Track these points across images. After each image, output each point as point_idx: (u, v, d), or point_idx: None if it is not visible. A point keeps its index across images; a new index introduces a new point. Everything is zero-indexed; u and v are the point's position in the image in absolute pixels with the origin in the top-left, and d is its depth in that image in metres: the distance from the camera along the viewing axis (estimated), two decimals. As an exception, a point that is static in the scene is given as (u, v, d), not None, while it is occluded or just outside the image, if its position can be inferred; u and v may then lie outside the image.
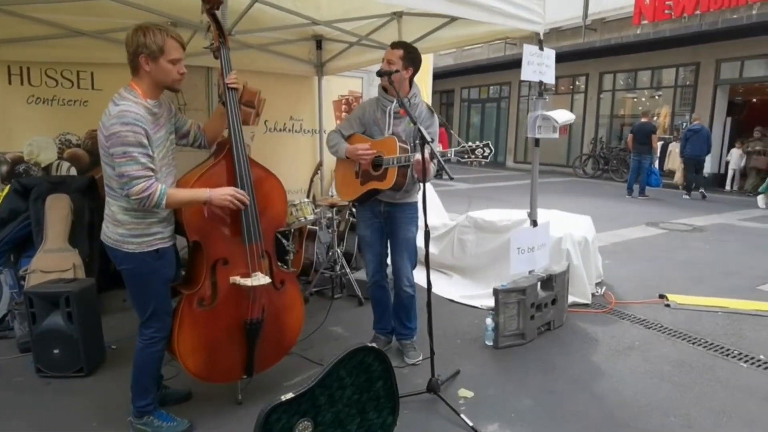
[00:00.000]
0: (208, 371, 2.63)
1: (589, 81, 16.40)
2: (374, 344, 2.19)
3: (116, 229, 2.35)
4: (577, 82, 16.93)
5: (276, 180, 2.80)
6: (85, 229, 4.34)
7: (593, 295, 4.42)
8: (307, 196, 4.88)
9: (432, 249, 5.05)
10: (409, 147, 2.97)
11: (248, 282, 2.53)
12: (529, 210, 3.69)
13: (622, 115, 16.05)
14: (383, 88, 3.11)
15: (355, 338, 3.63)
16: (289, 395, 1.94)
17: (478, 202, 10.01)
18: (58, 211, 4.18)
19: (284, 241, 4.34)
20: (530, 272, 3.67)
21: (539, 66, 3.38)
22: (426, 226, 2.77)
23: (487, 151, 2.78)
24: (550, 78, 3.44)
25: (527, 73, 3.33)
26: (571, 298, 4.12)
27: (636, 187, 11.13)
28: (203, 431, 2.61)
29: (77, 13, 3.99)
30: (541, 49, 3.39)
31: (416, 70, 3.12)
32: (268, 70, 5.45)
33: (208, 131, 2.75)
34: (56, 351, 3.08)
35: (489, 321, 3.50)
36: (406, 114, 2.82)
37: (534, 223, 3.63)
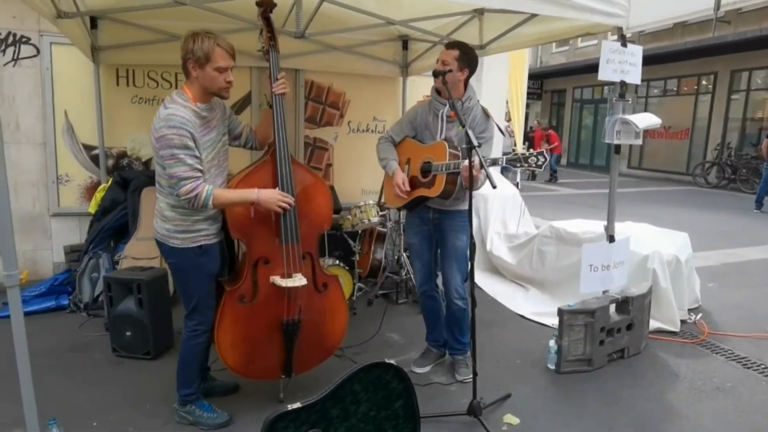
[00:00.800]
0: (247, 367, 2.68)
1: (718, 80, 14.66)
2: (392, 361, 2.07)
3: (164, 224, 2.48)
4: (703, 82, 15.23)
5: (320, 183, 2.79)
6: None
7: (683, 322, 3.91)
8: (380, 198, 4.84)
9: (510, 259, 4.85)
10: (460, 153, 2.81)
11: (284, 282, 2.55)
12: (606, 223, 3.34)
13: (759, 119, 14.15)
14: (437, 91, 2.99)
15: (411, 347, 3.54)
16: (297, 405, 1.90)
17: (582, 209, 9.41)
18: (152, 203, 4.54)
19: (351, 242, 4.35)
20: (604, 292, 3.32)
21: (621, 64, 3.03)
22: (471, 237, 2.60)
23: (542, 159, 2.58)
24: (634, 77, 3.07)
25: (606, 72, 3.00)
26: (654, 324, 3.68)
27: (767, 200, 9.78)
28: (242, 425, 2.66)
29: (173, 18, 4.28)
30: (624, 45, 3.04)
31: (472, 71, 2.98)
32: (353, 72, 5.50)
33: (258, 133, 2.81)
34: (128, 333, 3.35)
35: (552, 343, 3.22)
36: (456, 117, 2.67)
37: (611, 239, 3.27)
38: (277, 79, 2.65)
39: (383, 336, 3.74)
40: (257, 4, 2.68)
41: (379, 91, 5.77)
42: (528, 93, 8.46)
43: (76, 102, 4.68)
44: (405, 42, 5.33)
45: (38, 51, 4.51)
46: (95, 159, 4.77)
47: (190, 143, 2.31)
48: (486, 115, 3.00)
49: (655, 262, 3.76)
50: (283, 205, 2.48)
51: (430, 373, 3.22)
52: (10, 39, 4.42)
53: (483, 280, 4.89)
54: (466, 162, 2.57)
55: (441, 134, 2.93)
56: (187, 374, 2.64)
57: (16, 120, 4.53)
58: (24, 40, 4.45)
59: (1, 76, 4.44)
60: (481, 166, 2.50)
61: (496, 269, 5.14)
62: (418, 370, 3.20)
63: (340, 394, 1.97)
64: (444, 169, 2.78)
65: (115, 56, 4.63)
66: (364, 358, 3.42)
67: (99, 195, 4.65)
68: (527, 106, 21.32)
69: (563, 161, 18.28)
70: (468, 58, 2.91)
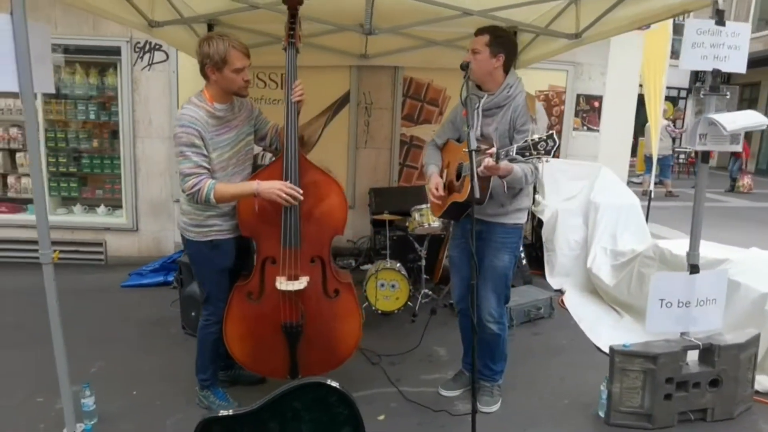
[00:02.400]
0: (253, 362, 2.74)
1: None
2: (335, 384, 1.91)
3: (182, 217, 2.63)
4: None
5: (334, 185, 2.67)
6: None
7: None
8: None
9: (608, 279, 4.25)
10: (494, 150, 2.45)
11: (279, 285, 2.53)
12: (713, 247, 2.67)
13: None
14: (477, 85, 2.68)
15: (452, 366, 3.27)
16: (229, 411, 1.87)
17: (749, 226, 7.81)
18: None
19: (417, 245, 4.17)
20: (682, 334, 2.67)
21: (714, 48, 2.37)
22: (472, 244, 2.22)
23: (551, 143, 2.14)
24: (736, 65, 2.39)
25: (690, 59, 2.38)
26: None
27: None
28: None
29: (278, 21, 4.51)
30: (721, 23, 2.37)
31: (510, 55, 2.65)
32: (453, 66, 5.24)
33: (281, 135, 2.80)
34: (193, 313, 3.65)
35: (603, 387, 2.69)
36: (466, 116, 2.37)
37: (694, 269, 2.61)
38: (293, 85, 2.60)
39: (429, 349, 3.51)
40: (284, 1, 2.70)
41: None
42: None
43: (196, 102, 5.25)
44: (514, 32, 4.91)
45: (167, 56, 5.14)
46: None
47: (197, 141, 2.40)
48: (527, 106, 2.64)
49: (777, 303, 2.91)
50: (284, 195, 2.43)
51: (459, 398, 2.94)
52: (147, 46, 5.11)
53: (575, 300, 4.32)
54: (486, 159, 2.30)
55: (477, 130, 2.63)
56: (202, 360, 2.78)
57: (149, 117, 5.24)
58: (157, 47, 5.11)
59: (139, 79, 5.17)
60: (497, 159, 2.26)
61: (595, 289, 4.50)
62: (446, 393, 2.95)
63: (279, 408, 1.89)
64: (469, 169, 2.48)
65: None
66: (398, 369, 3.26)
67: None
68: (681, 100, 18.14)
69: (751, 167, 15.10)
70: (502, 41, 2.60)
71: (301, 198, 2.49)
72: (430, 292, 4.20)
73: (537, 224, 5.22)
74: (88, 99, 5.24)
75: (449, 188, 2.76)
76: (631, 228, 4.70)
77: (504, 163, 2.36)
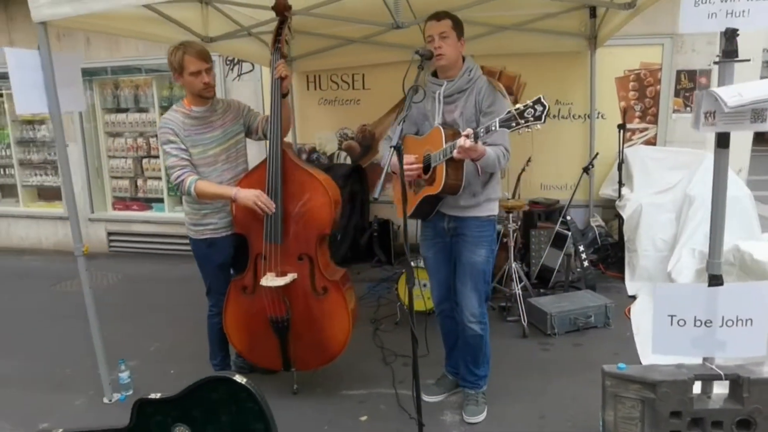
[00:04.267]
0: (249, 352, 2.92)
1: None
2: (242, 380, 1.95)
3: (185, 216, 2.90)
4: None
5: (319, 185, 2.69)
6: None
7: None
8: (512, 197, 4.21)
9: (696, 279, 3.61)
10: (470, 130, 2.26)
11: (262, 281, 2.64)
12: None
13: None
14: (433, 73, 2.51)
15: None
16: (158, 395, 2.04)
17: None
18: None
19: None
20: (705, 361, 2.18)
21: (726, 3, 1.90)
22: (406, 243, 2.10)
23: (539, 108, 1.95)
24: (755, 20, 1.89)
25: (692, 20, 1.94)
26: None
27: None
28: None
29: (339, 24, 4.63)
30: (732, -29, 1.88)
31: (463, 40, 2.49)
32: (528, 51, 4.88)
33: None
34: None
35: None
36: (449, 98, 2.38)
37: (714, 280, 2.11)
38: (275, 64, 2.70)
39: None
40: (273, 8, 2.81)
41: (562, 70, 4.94)
42: None
43: (277, 107, 5.66)
44: (593, 9, 4.40)
45: (253, 67, 5.61)
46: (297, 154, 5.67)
47: (173, 138, 2.64)
48: (492, 87, 2.43)
49: None
50: (260, 204, 2.57)
51: (441, 404, 2.79)
52: (235, 59, 5.64)
53: (643, 308, 3.73)
54: (461, 139, 2.17)
55: (439, 118, 2.47)
56: (212, 347, 3.04)
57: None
58: (243, 59, 5.61)
59: (230, 90, 5.73)
60: (475, 139, 2.14)
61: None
62: (428, 399, 2.80)
63: (198, 397, 2.01)
64: (442, 156, 2.33)
65: (305, 64, 5.37)
66: (409, 371, 3.16)
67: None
68: None
69: None
70: (460, 26, 2.47)
71: (272, 211, 2.61)
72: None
73: (622, 222, 4.60)
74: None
75: (417, 184, 2.60)
76: (734, 226, 3.88)
77: (479, 145, 2.19)
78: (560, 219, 4.09)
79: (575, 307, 3.50)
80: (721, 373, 2.11)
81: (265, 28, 4.31)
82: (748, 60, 1.93)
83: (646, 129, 4.83)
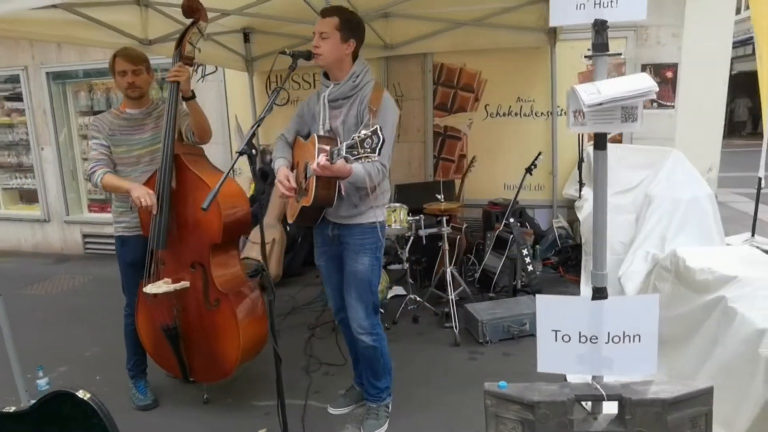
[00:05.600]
0: (154, 355, 2.87)
1: None
2: (84, 395, 1.87)
3: None
4: None
5: (208, 189, 2.59)
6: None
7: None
8: (457, 198, 4.06)
9: (631, 293, 3.45)
10: (328, 148, 2.14)
11: (146, 287, 2.58)
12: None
13: None
14: (324, 73, 2.38)
15: (401, 381, 2.98)
16: (12, 408, 1.98)
17: None
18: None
19: (397, 248, 3.85)
20: (594, 379, 2.03)
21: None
22: (262, 249, 2.01)
23: (375, 140, 1.85)
24: (632, 11, 1.73)
25: (560, 12, 1.80)
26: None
27: None
28: (163, 411, 2.90)
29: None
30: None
31: (360, 41, 2.33)
32: (488, 47, 4.72)
33: (192, 127, 2.79)
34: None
35: (492, 430, 2.18)
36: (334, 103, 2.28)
37: (598, 293, 1.95)
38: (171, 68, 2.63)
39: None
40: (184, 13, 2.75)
41: (522, 66, 4.77)
42: None
43: (241, 108, 5.61)
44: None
45: (216, 68, 5.56)
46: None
47: (96, 134, 2.73)
48: (380, 98, 2.27)
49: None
50: (141, 201, 2.52)
51: (345, 417, 2.68)
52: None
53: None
54: (316, 161, 2.08)
55: (323, 124, 2.35)
56: (126, 350, 2.98)
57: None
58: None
59: (196, 91, 5.68)
60: (331, 158, 2.01)
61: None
62: (333, 411, 2.71)
63: (49, 411, 1.95)
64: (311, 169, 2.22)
65: (265, 64, 5.30)
66: (327, 380, 3.10)
67: (252, 186, 5.49)
68: None
69: None
70: (352, 26, 2.29)
71: (154, 211, 2.55)
72: (418, 299, 3.84)
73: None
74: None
75: (299, 192, 2.48)
76: (692, 228, 3.68)
77: (340, 163, 2.06)
78: (503, 221, 3.92)
79: (509, 314, 3.34)
80: (604, 393, 1.95)
81: (213, 28, 4.26)
82: (619, 54, 1.77)
83: (610, 126, 4.61)
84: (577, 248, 4.39)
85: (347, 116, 2.29)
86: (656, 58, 4.38)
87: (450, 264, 3.72)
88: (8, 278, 5.67)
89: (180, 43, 2.72)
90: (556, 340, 2.04)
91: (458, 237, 3.85)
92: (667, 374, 2.68)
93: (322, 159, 2.05)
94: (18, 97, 6.32)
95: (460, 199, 4.12)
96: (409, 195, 4.60)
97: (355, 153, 1.91)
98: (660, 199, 3.86)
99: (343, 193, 2.28)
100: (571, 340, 2.01)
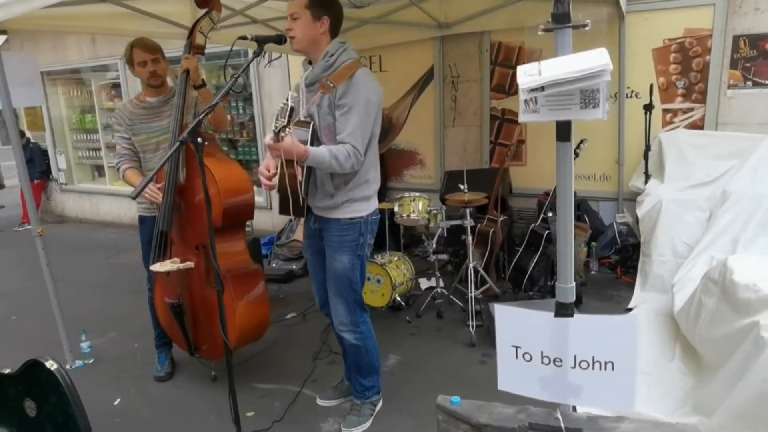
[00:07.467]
0: (168, 329, 3.01)
1: None
2: (54, 365, 2.00)
3: None
4: None
5: (211, 176, 2.64)
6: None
7: None
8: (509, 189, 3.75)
9: (680, 302, 3.03)
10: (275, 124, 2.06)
11: (153, 265, 2.70)
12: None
13: None
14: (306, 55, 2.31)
15: (389, 376, 2.89)
16: (7, 370, 2.20)
17: None
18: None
19: (425, 239, 3.66)
20: (558, 408, 1.77)
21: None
22: (212, 252, 2.00)
23: (285, 109, 1.83)
24: None
25: None
26: None
27: None
28: (174, 383, 3.08)
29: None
30: None
31: (336, 18, 2.22)
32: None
33: (210, 119, 2.87)
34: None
35: (454, 446, 2.00)
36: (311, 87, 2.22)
37: (563, 309, 1.69)
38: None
39: (384, 355, 3.13)
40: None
41: (588, 42, 4.16)
42: None
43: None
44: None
45: (280, 55, 5.68)
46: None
47: (118, 127, 2.91)
48: (350, 78, 2.13)
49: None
50: (148, 195, 2.65)
51: (331, 409, 2.64)
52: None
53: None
54: (267, 138, 2.02)
55: (303, 108, 2.27)
56: (152, 321, 3.18)
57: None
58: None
59: (263, 76, 5.89)
60: (276, 135, 1.89)
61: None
62: (321, 402, 2.68)
63: (31, 376, 2.12)
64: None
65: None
66: (331, 369, 3.07)
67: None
68: None
69: None
70: (323, 2, 2.17)
71: (157, 203, 2.69)
72: (445, 293, 3.66)
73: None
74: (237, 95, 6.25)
75: None
76: (756, 233, 3.09)
77: (287, 141, 1.92)
78: (540, 216, 3.57)
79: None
80: (562, 425, 1.69)
81: (274, 14, 4.29)
82: (585, 25, 1.49)
83: (690, 109, 3.98)
84: (638, 247, 3.89)
85: (322, 98, 2.18)
86: (753, 28, 3.68)
87: (482, 259, 3.49)
88: (104, 247, 6.37)
89: (192, 32, 2.78)
90: (516, 357, 1.82)
91: (491, 230, 3.57)
92: (693, 405, 2.28)
93: (267, 138, 1.98)
94: (116, 84, 7.01)
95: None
96: (458, 182, 4.36)
97: (278, 125, 1.83)
98: (738, 195, 3.28)
99: (312, 179, 2.20)
100: (533, 359, 1.79)
